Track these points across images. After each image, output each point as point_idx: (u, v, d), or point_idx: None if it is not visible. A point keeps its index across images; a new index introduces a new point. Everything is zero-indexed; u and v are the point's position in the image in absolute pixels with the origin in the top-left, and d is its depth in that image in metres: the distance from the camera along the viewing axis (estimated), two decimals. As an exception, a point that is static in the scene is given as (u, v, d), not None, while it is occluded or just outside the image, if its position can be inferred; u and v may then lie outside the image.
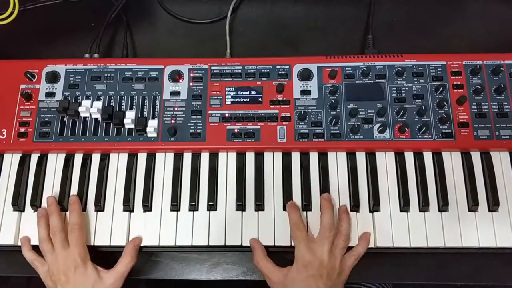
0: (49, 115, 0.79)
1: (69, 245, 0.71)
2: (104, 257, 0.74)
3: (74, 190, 0.77)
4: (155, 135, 0.78)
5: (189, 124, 0.78)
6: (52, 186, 0.78)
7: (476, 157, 0.78)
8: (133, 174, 0.78)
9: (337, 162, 0.78)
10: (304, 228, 0.73)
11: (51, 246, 0.72)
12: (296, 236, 0.71)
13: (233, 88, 0.80)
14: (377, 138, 0.77)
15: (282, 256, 0.75)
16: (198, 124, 0.78)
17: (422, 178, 0.76)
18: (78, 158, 0.79)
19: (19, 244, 0.75)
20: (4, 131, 0.78)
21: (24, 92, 0.79)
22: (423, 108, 0.77)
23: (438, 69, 0.80)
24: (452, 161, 0.77)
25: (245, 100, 0.80)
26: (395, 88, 0.79)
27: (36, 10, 0.95)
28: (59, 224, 0.73)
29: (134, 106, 0.80)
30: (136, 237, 0.74)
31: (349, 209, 0.75)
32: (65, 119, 0.79)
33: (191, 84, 0.81)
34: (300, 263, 0.69)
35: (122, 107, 0.80)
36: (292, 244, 0.73)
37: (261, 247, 0.73)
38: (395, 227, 0.74)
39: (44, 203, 0.77)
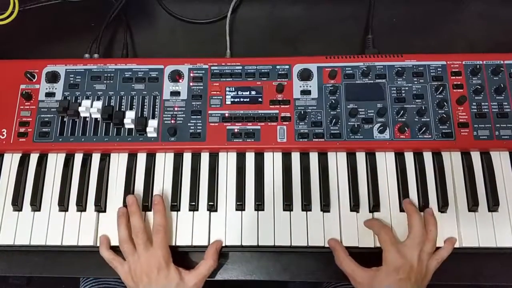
0: (49, 115, 0.79)
1: (151, 246, 0.71)
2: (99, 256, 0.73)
3: (74, 190, 0.77)
4: (155, 135, 0.78)
5: (189, 124, 0.78)
6: (52, 186, 0.78)
7: (476, 157, 0.78)
8: (133, 174, 0.78)
9: (337, 162, 0.78)
10: (391, 231, 0.72)
11: (133, 246, 0.71)
12: (385, 239, 0.70)
13: (233, 88, 0.80)
14: (377, 138, 0.77)
15: (280, 257, 0.75)
16: (198, 124, 0.78)
17: (422, 178, 0.76)
18: (78, 158, 0.79)
19: (19, 244, 0.74)
20: (4, 131, 0.78)
21: (24, 92, 0.79)
22: (423, 108, 0.77)
23: (438, 69, 0.80)
24: (452, 161, 0.77)
25: (245, 100, 0.80)
26: (395, 88, 0.79)
27: (36, 10, 0.95)
28: (142, 224, 0.72)
29: (134, 106, 0.80)
30: (217, 240, 0.74)
31: (348, 209, 0.75)
32: (65, 119, 0.79)
33: (191, 84, 0.81)
34: (391, 266, 0.68)
35: (122, 107, 0.80)
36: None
37: (342, 247, 0.72)
38: (395, 227, 0.74)
39: (44, 203, 0.77)
